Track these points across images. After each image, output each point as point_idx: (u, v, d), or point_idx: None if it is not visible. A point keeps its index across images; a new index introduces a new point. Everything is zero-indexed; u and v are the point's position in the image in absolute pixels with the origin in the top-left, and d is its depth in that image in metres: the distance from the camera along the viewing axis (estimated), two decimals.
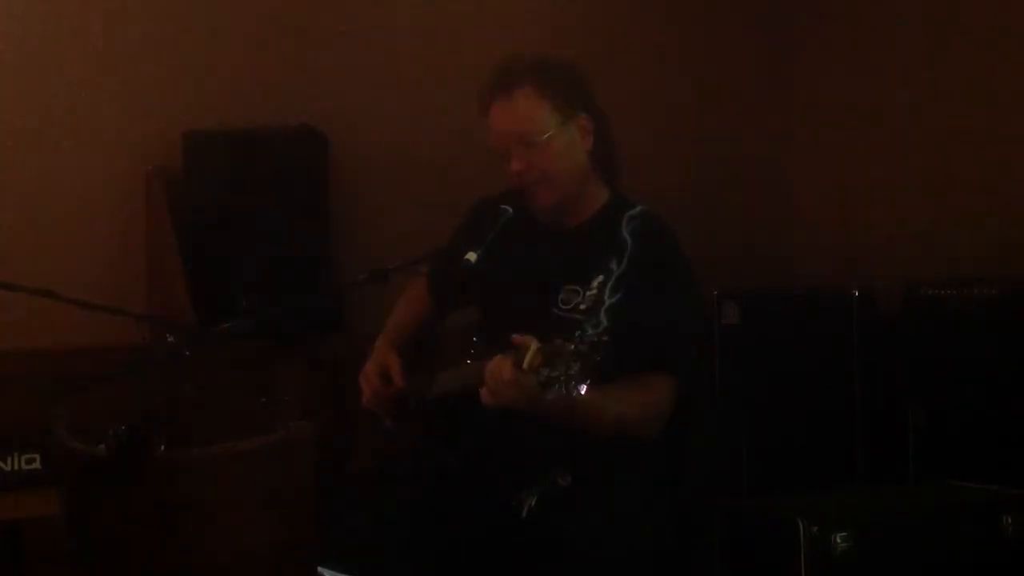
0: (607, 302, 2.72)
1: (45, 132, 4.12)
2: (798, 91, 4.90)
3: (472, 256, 2.70)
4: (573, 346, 2.31)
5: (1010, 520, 3.34)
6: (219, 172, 4.10)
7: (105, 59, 4.19)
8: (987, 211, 4.24)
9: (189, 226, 4.07)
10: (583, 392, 2.32)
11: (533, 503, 2.67)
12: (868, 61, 4.68)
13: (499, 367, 2.47)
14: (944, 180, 4.39)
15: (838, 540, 3.14)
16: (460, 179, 3.93)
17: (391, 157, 4.48)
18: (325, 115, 4.27)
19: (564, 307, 2.75)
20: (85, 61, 4.17)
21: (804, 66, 4.88)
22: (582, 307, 2.73)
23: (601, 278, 2.75)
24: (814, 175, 4.85)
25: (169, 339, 2.85)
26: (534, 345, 2.36)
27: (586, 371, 2.30)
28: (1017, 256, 4.05)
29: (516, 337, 2.43)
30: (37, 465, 3.76)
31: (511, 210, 2.82)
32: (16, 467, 3.75)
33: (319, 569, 2.67)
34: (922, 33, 4.49)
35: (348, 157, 4.34)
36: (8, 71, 4.08)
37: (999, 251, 4.14)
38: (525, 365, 2.36)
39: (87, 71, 4.17)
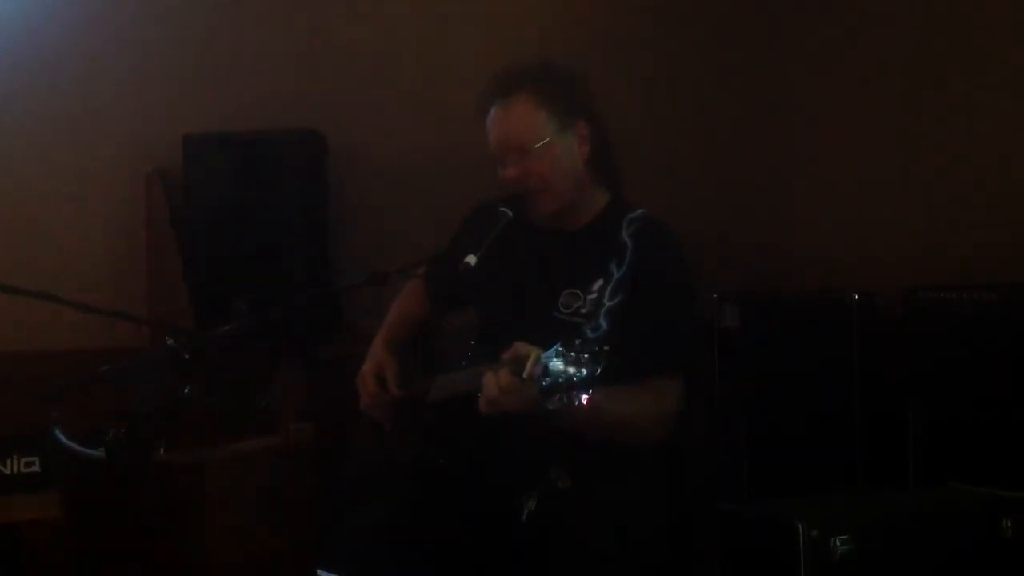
0: (606, 305, 2.71)
1: (45, 134, 4.12)
2: (798, 93, 4.90)
3: (472, 259, 2.69)
4: (574, 355, 2.30)
5: (1010, 523, 3.34)
6: (219, 174, 4.10)
7: (105, 61, 4.19)
8: (988, 214, 4.24)
9: (189, 228, 4.08)
10: (584, 401, 2.31)
11: (533, 506, 2.67)
12: (868, 62, 4.67)
13: (496, 379, 2.44)
14: (944, 183, 4.38)
15: (838, 543, 3.14)
16: (460, 180, 3.93)
17: (391, 158, 4.48)
18: (325, 116, 4.27)
19: (565, 311, 2.75)
20: (86, 63, 4.17)
21: (804, 68, 4.88)
22: (583, 311, 2.73)
23: (601, 281, 2.74)
24: (814, 177, 4.84)
25: (168, 341, 2.85)
26: (534, 354, 2.35)
27: (587, 381, 2.29)
28: (1018, 259, 4.05)
29: (516, 347, 2.42)
30: (36, 468, 3.75)
31: (511, 213, 2.81)
32: (15, 470, 3.73)
33: (318, 571, 2.67)
34: (922, 34, 4.48)
35: (348, 158, 4.34)
36: (8, 72, 4.08)
37: (999, 254, 4.13)
38: (525, 374, 2.35)
39: (88, 73, 4.17)
